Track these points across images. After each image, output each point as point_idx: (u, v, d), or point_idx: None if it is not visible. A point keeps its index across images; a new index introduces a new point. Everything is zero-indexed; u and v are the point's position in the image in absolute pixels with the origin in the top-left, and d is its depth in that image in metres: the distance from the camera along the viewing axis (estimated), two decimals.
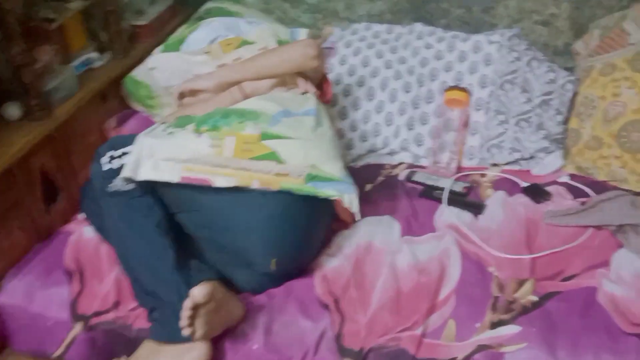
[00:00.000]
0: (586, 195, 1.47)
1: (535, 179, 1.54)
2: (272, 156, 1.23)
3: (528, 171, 1.58)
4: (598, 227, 1.35)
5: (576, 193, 1.49)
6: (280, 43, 1.53)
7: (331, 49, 1.88)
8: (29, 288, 1.31)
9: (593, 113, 1.57)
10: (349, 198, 1.27)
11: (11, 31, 1.33)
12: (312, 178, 1.24)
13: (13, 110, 1.42)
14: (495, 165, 1.61)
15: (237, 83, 1.40)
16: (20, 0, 1.37)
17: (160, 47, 1.64)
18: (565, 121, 1.65)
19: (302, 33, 1.61)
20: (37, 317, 1.29)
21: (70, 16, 1.60)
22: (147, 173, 1.19)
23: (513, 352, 1.11)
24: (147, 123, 1.67)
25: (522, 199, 1.47)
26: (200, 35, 1.56)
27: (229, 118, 1.26)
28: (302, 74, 1.44)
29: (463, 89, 1.65)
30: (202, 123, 1.25)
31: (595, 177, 1.53)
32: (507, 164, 1.60)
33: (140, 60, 1.73)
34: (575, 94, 1.68)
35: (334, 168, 1.29)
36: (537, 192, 1.48)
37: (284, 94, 1.40)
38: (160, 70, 1.57)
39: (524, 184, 1.51)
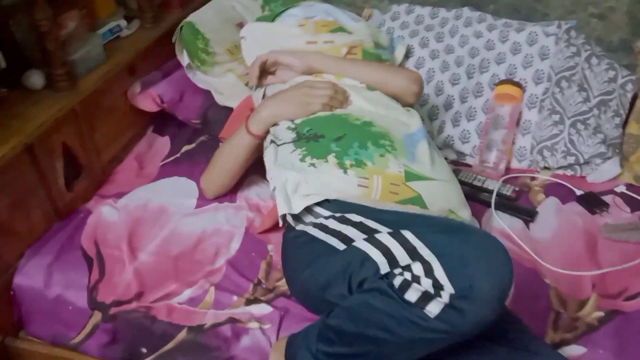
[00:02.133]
0: None
1: (590, 187, 1.43)
2: (417, 200, 1.10)
3: (583, 177, 1.47)
4: None
5: (634, 205, 1.38)
6: (377, 46, 1.44)
7: None
8: (47, 270, 1.22)
9: None
10: None
11: None
12: None
13: (36, 79, 1.32)
14: (546, 168, 1.50)
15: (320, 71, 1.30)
16: None
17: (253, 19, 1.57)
18: (624, 125, 1.54)
19: (400, 48, 1.56)
20: (54, 301, 1.20)
21: None
22: (299, 205, 1.08)
23: None
24: (183, 85, 1.56)
25: (577, 208, 1.36)
26: (298, 11, 1.48)
27: (367, 148, 1.12)
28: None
29: (516, 84, 1.53)
30: (343, 155, 1.11)
31: None
32: (559, 168, 1.49)
33: (170, 31, 1.61)
34: (635, 96, 1.56)
35: (466, 214, 1.17)
36: (593, 202, 1.37)
37: (384, 99, 1.27)
38: (249, 39, 1.45)
39: (579, 192, 1.40)
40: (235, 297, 1.17)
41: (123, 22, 1.58)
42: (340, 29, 1.42)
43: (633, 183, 1.44)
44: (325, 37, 1.39)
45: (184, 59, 1.55)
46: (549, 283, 1.17)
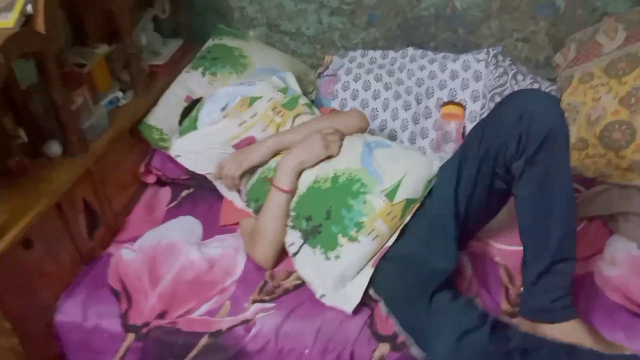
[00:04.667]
0: (576, 191, 1.63)
1: None
2: (409, 203, 1.30)
3: None
4: (590, 219, 1.51)
5: None
6: (281, 92, 1.60)
7: (334, 76, 2.04)
8: (82, 306, 1.43)
9: (577, 117, 1.74)
10: None
11: (52, 76, 1.47)
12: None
13: (55, 148, 1.55)
14: None
15: (289, 146, 1.42)
16: (57, 46, 1.51)
17: (176, 135, 1.68)
18: None
19: (289, 76, 1.72)
20: (92, 331, 1.40)
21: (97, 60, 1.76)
22: (357, 295, 1.29)
23: None
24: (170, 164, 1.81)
25: None
26: (211, 107, 1.60)
27: (352, 208, 1.28)
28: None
29: (458, 104, 1.82)
30: (345, 229, 1.28)
31: (584, 175, 1.68)
32: None
33: (161, 96, 1.88)
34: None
35: (437, 164, 1.39)
36: None
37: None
38: (184, 156, 1.60)
39: None
40: (246, 304, 1.39)
41: (120, 94, 1.84)
42: (254, 99, 1.56)
43: None
44: (249, 112, 1.53)
45: (156, 147, 1.82)
46: (498, 261, 1.41)
